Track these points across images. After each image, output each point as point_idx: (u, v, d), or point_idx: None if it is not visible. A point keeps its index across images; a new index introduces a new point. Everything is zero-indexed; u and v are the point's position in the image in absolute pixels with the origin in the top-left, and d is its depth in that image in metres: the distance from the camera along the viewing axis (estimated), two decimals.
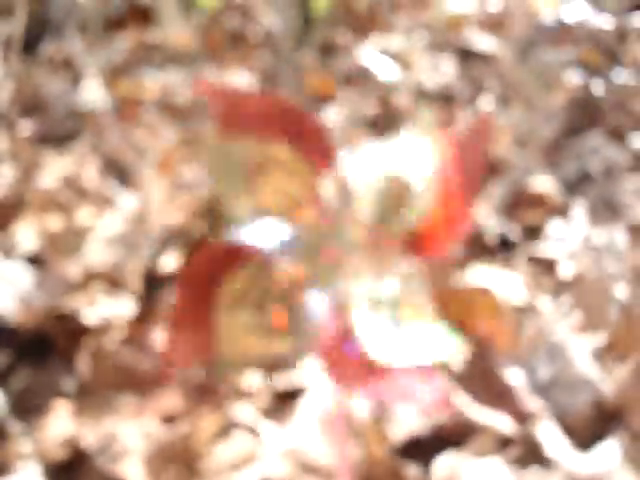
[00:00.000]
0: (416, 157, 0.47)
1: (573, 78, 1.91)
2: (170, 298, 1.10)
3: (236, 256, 0.46)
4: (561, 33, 2.25)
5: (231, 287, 0.45)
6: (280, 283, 0.46)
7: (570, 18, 2.30)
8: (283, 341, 0.45)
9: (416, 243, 0.46)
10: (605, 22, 2.28)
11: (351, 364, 0.44)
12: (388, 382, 0.43)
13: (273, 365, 0.93)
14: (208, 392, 0.92)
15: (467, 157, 0.46)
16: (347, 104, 1.68)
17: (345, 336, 0.44)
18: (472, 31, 2.21)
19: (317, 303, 0.45)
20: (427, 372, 0.43)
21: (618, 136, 1.57)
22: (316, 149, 0.47)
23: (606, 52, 2.07)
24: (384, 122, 1.61)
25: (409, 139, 0.48)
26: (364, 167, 0.48)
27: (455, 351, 0.43)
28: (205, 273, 0.46)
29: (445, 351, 0.43)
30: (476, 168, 0.46)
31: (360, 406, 0.88)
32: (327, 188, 0.47)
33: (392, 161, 0.47)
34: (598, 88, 1.78)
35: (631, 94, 1.75)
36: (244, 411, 0.89)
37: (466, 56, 2.11)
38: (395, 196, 0.46)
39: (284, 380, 0.94)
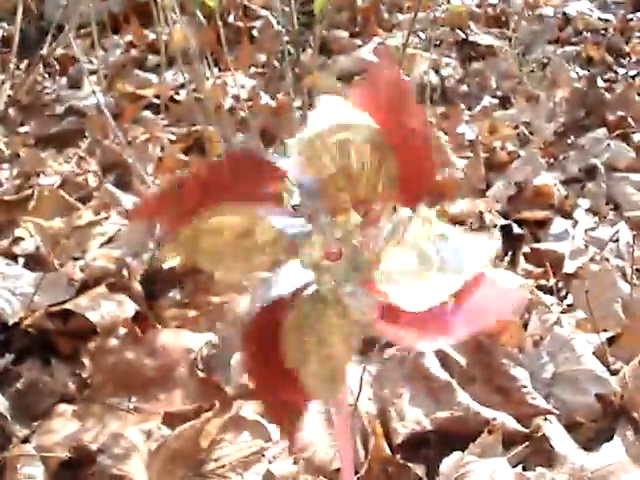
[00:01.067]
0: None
1: (576, 73, 1.91)
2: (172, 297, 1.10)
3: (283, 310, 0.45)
4: (564, 28, 2.24)
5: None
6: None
7: (573, 13, 2.29)
8: None
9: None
10: (609, 17, 2.27)
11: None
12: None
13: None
14: (213, 391, 0.92)
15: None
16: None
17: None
18: (474, 27, 2.21)
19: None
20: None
21: (622, 131, 1.57)
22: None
23: (609, 47, 2.07)
24: None
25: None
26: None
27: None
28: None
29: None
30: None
31: (365, 405, 0.87)
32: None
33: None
34: (601, 83, 1.77)
35: (635, 89, 1.74)
36: (249, 410, 0.88)
37: (468, 52, 2.11)
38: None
39: None
